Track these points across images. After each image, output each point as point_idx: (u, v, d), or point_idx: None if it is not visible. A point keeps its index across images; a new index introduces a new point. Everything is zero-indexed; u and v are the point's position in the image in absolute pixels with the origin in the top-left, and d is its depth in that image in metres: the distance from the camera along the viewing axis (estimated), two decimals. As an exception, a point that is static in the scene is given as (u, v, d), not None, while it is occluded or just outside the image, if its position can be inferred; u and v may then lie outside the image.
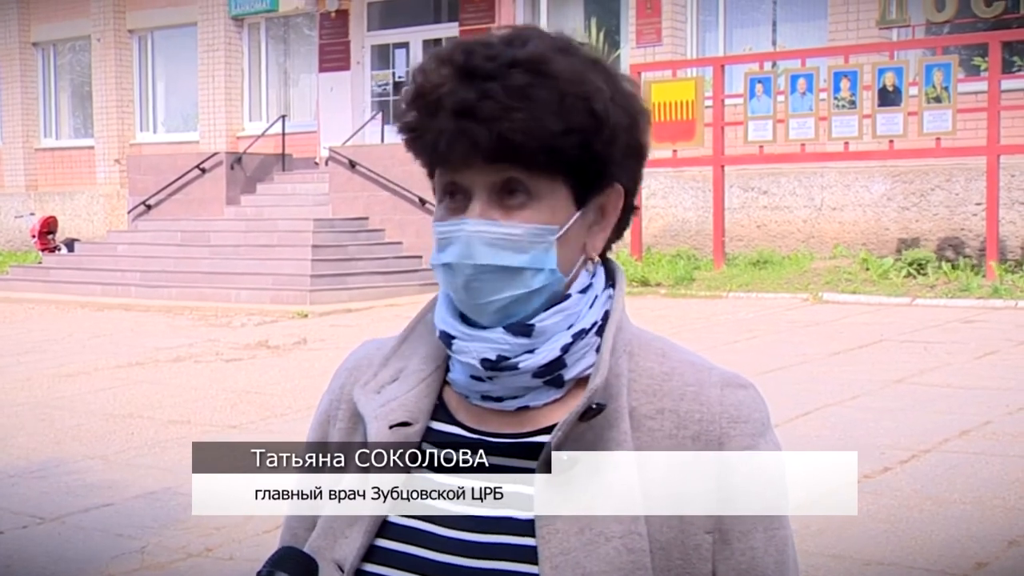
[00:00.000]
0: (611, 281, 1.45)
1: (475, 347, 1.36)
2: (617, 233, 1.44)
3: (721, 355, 9.28)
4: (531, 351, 1.36)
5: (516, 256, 1.33)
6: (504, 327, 1.36)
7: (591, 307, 1.40)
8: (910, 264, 13.87)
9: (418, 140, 1.34)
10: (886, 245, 15.26)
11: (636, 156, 1.40)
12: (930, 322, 11.10)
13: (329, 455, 1.47)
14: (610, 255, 1.46)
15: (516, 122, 1.28)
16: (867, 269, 14.08)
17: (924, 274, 13.66)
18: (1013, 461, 6.17)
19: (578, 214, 1.36)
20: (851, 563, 4.77)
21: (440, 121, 1.30)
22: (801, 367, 9.04)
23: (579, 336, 1.38)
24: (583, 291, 1.40)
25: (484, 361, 1.36)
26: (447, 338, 1.39)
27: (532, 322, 1.36)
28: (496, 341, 1.36)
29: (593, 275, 1.42)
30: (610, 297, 1.43)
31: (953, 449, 6.45)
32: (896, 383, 8.32)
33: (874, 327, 10.94)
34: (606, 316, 1.41)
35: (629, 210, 1.44)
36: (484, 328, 1.37)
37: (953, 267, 13.80)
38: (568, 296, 1.38)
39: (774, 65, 15.28)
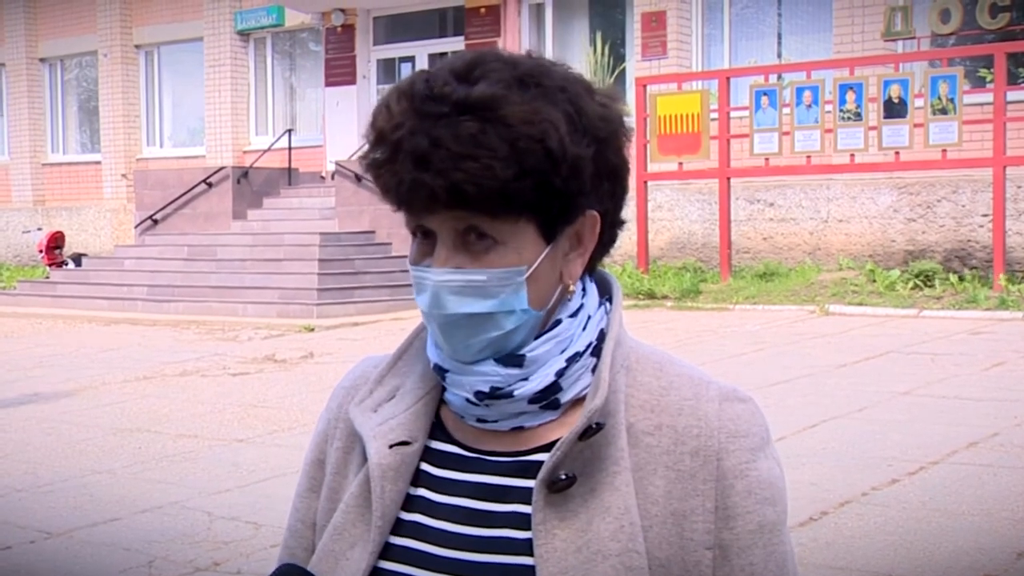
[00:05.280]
0: (606, 295, 1.44)
1: (468, 380, 1.36)
2: (603, 249, 1.42)
3: (728, 367, 9.28)
4: (525, 379, 1.35)
5: (484, 302, 1.32)
6: (495, 359, 1.35)
7: (584, 329, 1.38)
8: (917, 276, 13.85)
9: (382, 183, 1.32)
10: (893, 257, 15.25)
11: (611, 178, 1.37)
12: (937, 334, 11.09)
13: (328, 474, 1.47)
14: (608, 266, 1.45)
15: (467, 172, 1.25)
16: (874, 281, 14.06)
17: (931, 286, 13.64)
18: (1021, 473, 6.16)
19: (548, 249, 1.34)
20: (859, 575, 4.76)
21: (400, 167, 1.29)
22: (808, 379, 9.03)
23: (573, 359, 1.37)
24: (573, 315, 1.38)
25: (478, 394, 1.36)
26: (440, 371, 1.39)
27: (523, 352, 1.35)
28: (488, 374, 1.35)
29: (583, 295, 1.40)
30: (606, 313, 1.42)
31: (961, 461, 6.44)
32: (903, 395, 8.30)
33: (881, 339, 10.93)
34: (602, 335, 1.40)
35: (615, 226, 1.42)
36: (476, 362, 1.36)
37: (960, 279, 13.79)
38: (559, 322, 1.37)
39: (779, 77, 15.30)
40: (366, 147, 1.34)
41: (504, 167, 1.26)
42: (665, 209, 17.05)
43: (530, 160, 1.27)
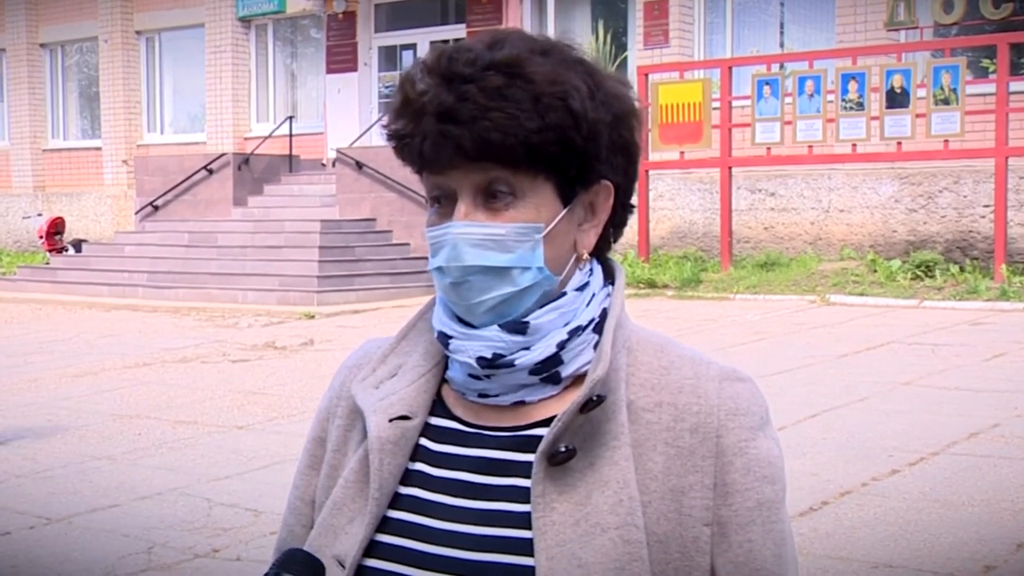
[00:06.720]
0: (610, 280, 1.46)
1: (471, 346, 1.37)
2: (614, 232, 1.45)
3: (728, 357, 9.25)
4: (527, 348, 1.37)
5: (502, 256, 1.34)
6: (499, 325, 1.36)
7: (588, 305, 1.40)
8: (918, 266, 13.84)
9: (406, 147, 1.36)
10: (894, 247, 15.24)
11: (624, 153, 1.40)
12: (938, 324, 11.08)
13: (328, 451, 1.48)
14: (612, 255, 1.47)
15: (493, 121, 1.29)
16: (875, 271, 14.06)
17: (932, 276, 13.64)
18: (1021, 464, 6.16)
19: (565, 211, 1.37)
20: (859, 566, 4.76)
21: (424, 126, 1.32)
22: (808, 369, 9.03)
23: (575, 333, 1.38)
24: (579, 289, 1.40)
25: (480, 360, 1.37)
26: (444, 338, 1.40)
27: (527, 320, 1.37)
28: (491, 339, 1.36)
29: (590, 273, 1.42)
30: (608, 295, 1.43)
31: (961, 452, 6.44)
32: (904, 385, 8.30)
33: (882, 329, 10.92)
34: (604, 314, 1.41)
35: (626, 209, 1.44)
36: (480, 327, 1.37)
37: (961, 269, 13.78)
38: (563, 294, 1.39)
39: (782, 67, 15.27)
40: (388, 117, 1.38)
41: (528, 118, 1.30)
42: (666, 198, 17.04)
43: (553, 116, 1.31)
